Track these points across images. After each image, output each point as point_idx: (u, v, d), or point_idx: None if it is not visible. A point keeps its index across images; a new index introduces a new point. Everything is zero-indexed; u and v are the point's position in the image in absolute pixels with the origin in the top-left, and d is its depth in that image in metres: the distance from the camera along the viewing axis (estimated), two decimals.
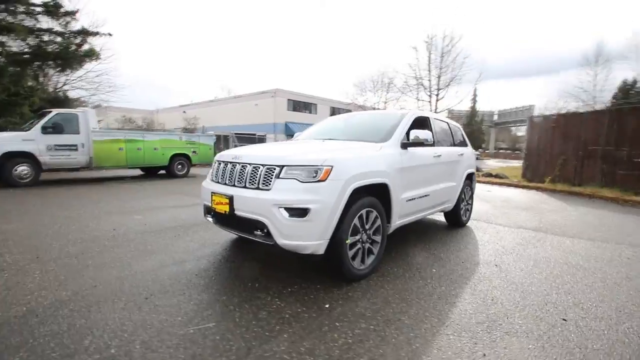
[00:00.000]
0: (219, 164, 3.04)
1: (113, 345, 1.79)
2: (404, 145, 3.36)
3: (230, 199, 2.65)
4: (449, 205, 4.49)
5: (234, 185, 2.76)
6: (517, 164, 34.12)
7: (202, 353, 1.75)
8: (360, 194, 2.67)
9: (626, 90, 38.35)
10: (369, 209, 2.78)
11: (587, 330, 2.12)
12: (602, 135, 10.34)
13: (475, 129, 46.88)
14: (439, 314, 2.26)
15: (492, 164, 27.19)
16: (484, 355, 1.82)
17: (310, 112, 33.08)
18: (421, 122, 3.90)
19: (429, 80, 16.99)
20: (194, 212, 5.24)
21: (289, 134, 29.93)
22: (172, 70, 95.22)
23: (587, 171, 10.73)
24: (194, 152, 10.99)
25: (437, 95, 17.12)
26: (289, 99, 30.48)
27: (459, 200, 4.66)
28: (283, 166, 2.51)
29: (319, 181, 2.43)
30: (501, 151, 60.96)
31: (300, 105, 31.97)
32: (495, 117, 56.53)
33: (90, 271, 2.81)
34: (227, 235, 3.95)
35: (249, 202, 2.55)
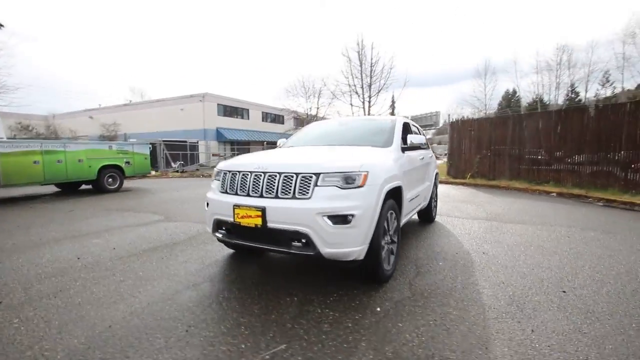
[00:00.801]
0: (232, 174, 2.83)
1: None
2: (403, 150, 3.60)
3: (263, 210, 2.50)
4: (425, 203, 4.91)
5: (261, 196, 2.60)
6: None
7: None
8: (387, 197, 2.79)
9: (508, 99, 46.53)
10: (392, 210, 2.92)
11: (584, 296, 2.59)
12: (508, 137, 12.37)
13: None
14: (475, 301, 2.50)
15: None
16: (532, 330, 2.10)
17: (242, 118, 32.03)
18: (406, 127, 4.21)
19: (362, 88, 18.13)
20: (162, 230, 4.70)
21: (222, 140, 28.53)
22: (72, 71, 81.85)
23: (498, 167, 12.70)
24: (127, 162, 9.74)
25: (369, 101, 18.35)
26: (219, 104, 29.01)
27: (431, 198, 5.13)
28: (319, 174, 2.48)
29: (358, 187, 2.47)
30: None
31: (231, 111, 30.71)
32: None
33: (89, 310, 2.34)
34: (222, 252, 3.67)
35: (287, 212, 2.44)
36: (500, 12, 70.42)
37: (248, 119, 32.52)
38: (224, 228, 2.87)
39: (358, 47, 17.85)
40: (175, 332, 2.05)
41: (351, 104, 19.06)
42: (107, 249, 3.81)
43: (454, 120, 15.30)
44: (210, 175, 15.97)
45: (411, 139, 3.64)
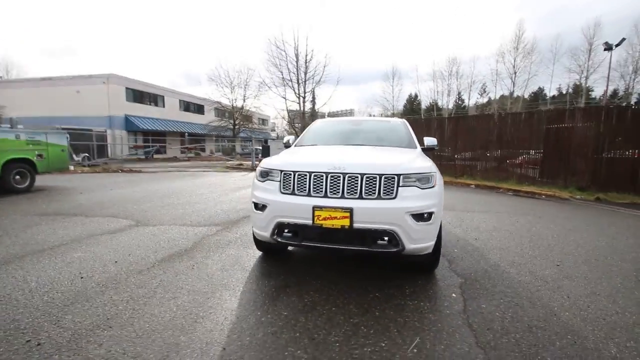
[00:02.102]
0: (299, 175, 2.73)
1: None
2: (423, 150, 3.96)
3: (350, 211, 2.51)
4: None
5: (343, 197, 2.61)
6: None
7: None
8: None
9: (411, 102, 52.57)
10: None
11: (575, 266, 3.37)
12: (445, 135, 14.19)
13: None
14: (513, 278, 3.01)
15: None
16: (568, 297, 2.68)
17: (156, 105, 28.54)
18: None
19: (298, 83, 18.26)
20: (149, 237, 4.12)
21: (132, 130, 24.98)
22: None
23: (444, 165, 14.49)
24: (39, 155, 7.88)
25: (304, 97, 18.61)
26: (128, 88, 25.19)
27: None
28: (401, 175, 2.62)
29: (432, 187, 2.70)
30: None
31: (143, 96, 27.03)
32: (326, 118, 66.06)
33: (181, 336, 2.02)
34: (250, 254, 3.48)
35: (375, 212, 2.52)
36: (406, 21, 78.60)
37: (163, 106, 29.20)
38: (287, 231, 2.75)
39: (294, 42, 17.91)
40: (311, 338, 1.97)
41: (285, 97, 19.01)
42: (105, 263, 3.19)
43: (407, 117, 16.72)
44: (136, 171, 13.99)
45: (427, 141, 4.03)
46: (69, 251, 3.51)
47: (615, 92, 38.33)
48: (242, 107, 27.92)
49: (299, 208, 2.65)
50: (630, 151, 9.10)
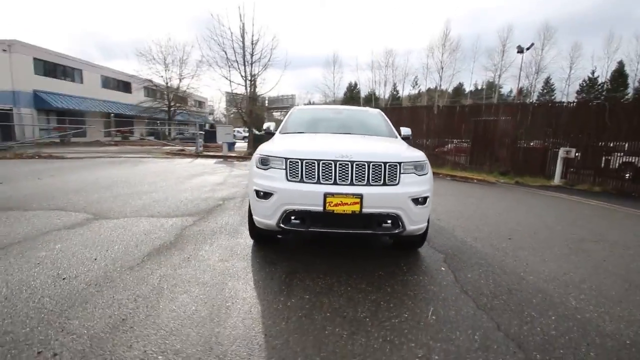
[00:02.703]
0: (307, 163, 2.79)
1: None
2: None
3: (361, 197, 2.68)
4: None
5: (352, 184, 2.75)
6: None
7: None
8: None
9: (351, 90, 54.13)
10: None
11: (522, 239, 4.04)
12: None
13: (258, 113, 51.17)
14: (479, 250, 3.52)
15: None
16: (527, 264, 3.26)
17: (73, 80, 24.64)
18: None
19: (244, 65, 17.46)
20: (118, 231, 3.79)
21: (43, 108, 21.30)
22: None
23: None
24: None
25: (251, 80, 17.91)
26: (36, 58, 21.21)
27: None
28: (401, 163, 2.86)
29: (425, 174, 2.99)
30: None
31: (56, 70, 23.07)
32: (266, 104, 64.42)
33: (216, 338, 1.98)
34: (239, 244, 3.46)
35: (382, 198, 2.73)
36: (348, 10, 79.45)
37: (81, 82, 25.38)
38: (294, 218, 2.81)
39: (240, 21, 16.96)
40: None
41: (229, 79, 18.05)
42: (82, 261, 2.87)
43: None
44: (57, 157, 12.12)
45: (403, 131, 4.34)
46: (28, 250, 3.05)
47: (521, 90, 44.40)
48: (178, 87, 25.60)
49: (309, 195, 2.73)
50: (537, 141, 10.91)
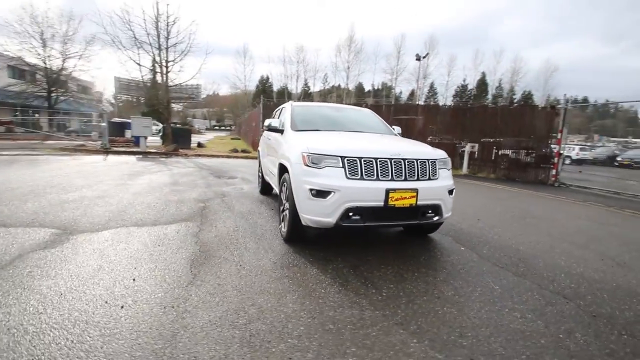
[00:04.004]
0: (365, 161, 2.93)
1: None
2: None
3: (416, 191, 2.96)
4: None
5: (405, 180, 3.01)
6: (214, 134, 38.37)
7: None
8: None
9: (263, 83, 53.29)
10: None
11: (488, 219, 4.98)
12: None
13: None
14: (471, 231, 4.24)
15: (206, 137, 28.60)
16: (509, 238, 4.09)
17: None
18: None
19: (159, 49, 15.46)
20: (125, 243, 3.23)
21: None
22: None
23: None
24: None
25: (166, 66, 16.00)
26: None
27: None
28: (437, 160, 3.26)
29: (449, 169, 3.47)
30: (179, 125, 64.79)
31: None
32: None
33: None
34: (273, 246, 3.38)
35: (432, 191, 3.08)
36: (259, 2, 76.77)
37: None
38: (352, 214, 2.92)
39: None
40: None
41: (139, 64, 15.75)
42: (117, 282, 2.39)
43: (265, 101, 16.72)
44: None
45: (395, 130, 4.77)
46: (28, 279, 2.36)
47: (412, 92, 51.05)
48: (61, 69, 20.55)
49: (371, 192, 2.89)
50: (448, 137, 13.05)
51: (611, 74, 72.99)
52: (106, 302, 2.13)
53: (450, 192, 3.28)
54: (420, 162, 3.12)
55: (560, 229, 4.69)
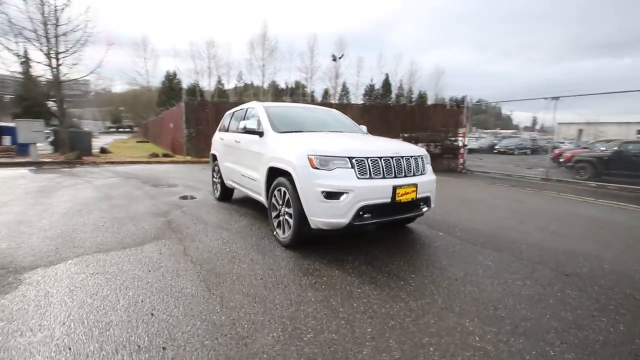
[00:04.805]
0: (372, 160, 3.06)
1: None
2: None
3: (416, 186, 3.21)
4: None
5: (405, 176, 3.23)
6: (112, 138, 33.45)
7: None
8: None
9: (170, 79, 48.68)
10: None
11: (451, 205, 5.65)
12: None
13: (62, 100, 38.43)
14: (436, 218, 4.77)
15: (104, 141, 24.62)
16: (457, 218, 4.75)
17: None
18: None
19: (46, 39, 12.69)
20: (116, 272, 2.71)
21: None
22: None
23: None
24: None
25: (57, 59, 13.27)
26: None
27: None
28: (423, 156, 3.57)
29: (429, 163, 3.84)
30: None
31: None
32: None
33: None
34: (278, 256, 3.28)
35: (426, 184, 3.37)
36: None
37: None
38: (362, 213, 3.02)
39: None
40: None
41: (19, 55, 12.69)
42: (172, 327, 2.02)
43: (188, 100, 15.35)
44: None
45: (362, 129, 5.00)
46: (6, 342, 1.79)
47: (327, 91, 53.18)
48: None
49: (380, 190, 3.03)
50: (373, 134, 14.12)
51: (482, 76, 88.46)
52: (148, 355, 1.79)
53: (435, 184, 3.65)
54: (414, 158, 3.39)
55: (493, 208, 5.62)
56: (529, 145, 27.10)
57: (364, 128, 4.98)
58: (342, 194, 2.91)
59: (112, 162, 12.01)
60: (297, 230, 3.19)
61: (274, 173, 3.57)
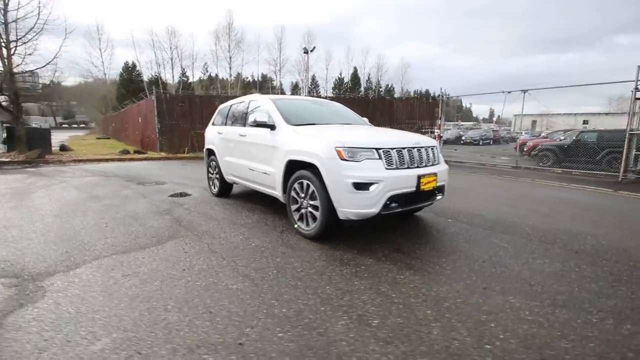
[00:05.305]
0: (397, 151, 3.15)
1: None
2: None
3: (436, 175, 3.35)
4: None
5: (426, 166, 3.36)
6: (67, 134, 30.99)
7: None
8: None
9: (130, 71, 45.79)
10: None
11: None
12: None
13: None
14: (440, 205, 4.99)
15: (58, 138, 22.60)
16: (457, 205, 5.02)
17: None
18: None
19: None
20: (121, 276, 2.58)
21: None
22: None
23: None
24: None
25: (7, 47, 11.98)
26: None
27: None
28: (436, 146, 3.72)
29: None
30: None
31: None
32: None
33: None
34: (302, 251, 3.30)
35: (442, 173, 3.52)
36: None
37: None
38: (390, 202, 3.11)
39: None
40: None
41: None
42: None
43: (160, 92, 14.56)
44: None
45: (365, 120, 5.08)
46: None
47: (296, 84, 52.73)
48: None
49: (407, 179, 3.13)
50: None
51: (442, 70, 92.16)
52: None
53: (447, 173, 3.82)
54: (431, 148, 3.53)
55: (484, 195, 5.97)
56: (492, 136, 28.89)
57: (365, 120, 5.06)
58: (371, 184, 2.97)
59: (80, 161, 11.18)
60: (325, 222, 3.21)
61: (293, 166, 3.55)
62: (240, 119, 4.79)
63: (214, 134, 5.51)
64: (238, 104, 5.15)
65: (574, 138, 12.15)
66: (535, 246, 3.29)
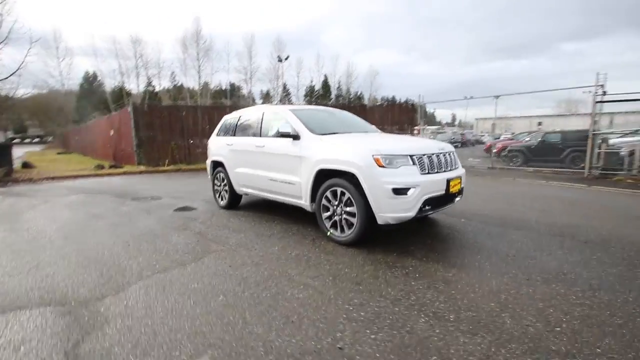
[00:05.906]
0: (428, 157, 3.37)
1: None
2: None
3: (461, 178, 3.61)
4: None
5: (451, 170, 3.60)
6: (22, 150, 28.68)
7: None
8: None
9: (90, 81, 43.43)
10: None
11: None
12: (198, 124, 14.12)
13: None
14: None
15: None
16: (466, 206, 5.36)
17: None
18: None
19: None
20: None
21: None
22: None
23: (193, 153, 14.14)
24: None
25: None
26: None
27: None
28: (454, 151, 3.99)
29: None
30: None
31: None
32: None
33: None
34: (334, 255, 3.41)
35: (464, 177, 3.78)
36: None
37: None
38: (423, 205, 3.30)
39: None
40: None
41: None
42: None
43: (137, 103, 13.96)
44: None
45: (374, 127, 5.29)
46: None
47: (267, 92, 52.54)
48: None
49: (438, 183, 3.35)
50: None
51: (407, 77, 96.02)
52: None
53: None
54: (452, 154, 3.78)
55: (480, 195, 6.38)
56: (459, 139, 30.54)
57: (374, 127, 5.26)
58: (409, 189, 3.14)
59: (54, 178, 10.43)
60: (362, 228, 3.33)
61: (323, 175, 3.65)
62: (254, 130, 4.81)
63: (221, 145, 5.45)
64: (249, 114, 5.16)
65: (539, 139, 13.21)
66: (549, 239, 3.62)
